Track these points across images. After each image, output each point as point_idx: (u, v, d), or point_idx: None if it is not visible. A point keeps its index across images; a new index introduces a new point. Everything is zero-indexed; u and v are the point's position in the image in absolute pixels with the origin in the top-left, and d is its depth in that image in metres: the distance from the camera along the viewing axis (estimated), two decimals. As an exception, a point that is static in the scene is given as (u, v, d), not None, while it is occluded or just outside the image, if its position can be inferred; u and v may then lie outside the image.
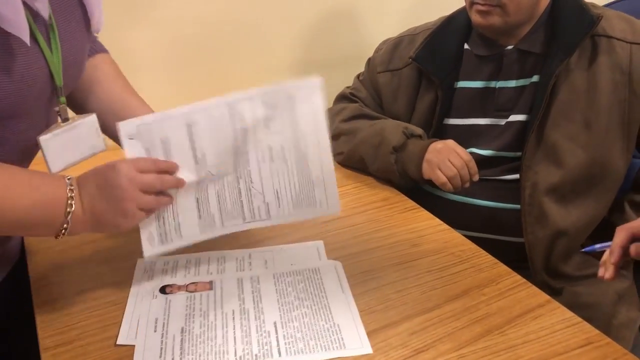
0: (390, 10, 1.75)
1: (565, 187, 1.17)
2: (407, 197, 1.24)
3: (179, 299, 0.92)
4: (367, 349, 0.83)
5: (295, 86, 0.92)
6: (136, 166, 0.87)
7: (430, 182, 1.23)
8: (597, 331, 0.86)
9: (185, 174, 0.91)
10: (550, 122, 1.17)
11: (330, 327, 0.86)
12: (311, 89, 0.92)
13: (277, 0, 1.62)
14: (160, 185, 0.88)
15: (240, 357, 0.81)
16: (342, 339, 0.84)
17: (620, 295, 1.18)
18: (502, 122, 1.24)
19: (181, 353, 0.82)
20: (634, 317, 1.17)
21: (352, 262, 1.03)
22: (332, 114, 1.41)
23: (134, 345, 0.84)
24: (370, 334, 0.85)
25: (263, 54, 1.65)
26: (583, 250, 0.90)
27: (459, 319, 0.89)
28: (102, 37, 1.09)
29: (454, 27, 1.28)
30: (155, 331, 0.86)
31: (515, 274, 0.99)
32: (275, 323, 0.87)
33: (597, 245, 0.87)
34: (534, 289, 0.96)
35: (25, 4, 0.79)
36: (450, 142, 1.21)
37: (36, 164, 0.95)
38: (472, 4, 1.20)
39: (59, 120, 0.93)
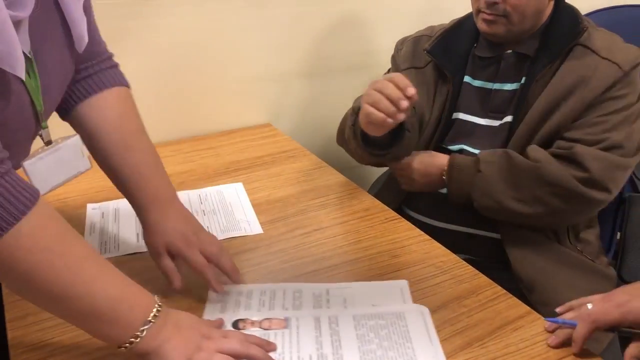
0: (392, 18, 1.75)
1: None
2: (387, 207, 1.24)
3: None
4: None
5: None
6: (225, 333, 0.84)
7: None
8: (576, 342, 0.86)
9: None
10: (529, 125, 1.20)
11: None
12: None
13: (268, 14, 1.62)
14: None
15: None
16: None
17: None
18: (496, 123, 1.26)
19: None
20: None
21: (333, 274, 1.02)
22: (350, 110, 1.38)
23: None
24: (349, 347, 0.84)
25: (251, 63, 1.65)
26: (546, 319, 0.88)
27: (439, 331, 0.88)
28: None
29: (465, 28, 1.33)
30: None
31: (495, 285, 0.99)
32: None
33: (560, 320, 0.86)
34: (515, 300, 0.95)
35: None
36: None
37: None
38: (478, 12, 1.23)
39: (42, 143, 0.92)
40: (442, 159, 1.25)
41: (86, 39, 0.91)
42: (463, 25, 1.34)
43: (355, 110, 1.22)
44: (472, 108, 1.30)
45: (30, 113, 0.85)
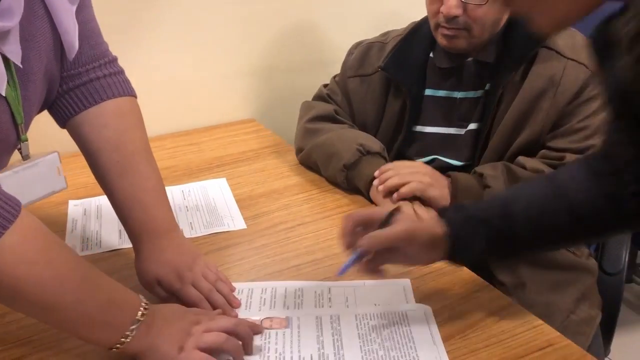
0: (353, 16, 1.75)
1: None
2: (370, 202, 1.24)
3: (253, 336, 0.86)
4: None
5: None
6: (212, 317, 0.85)
7: None
8: (557, 333, 0.87)
9: None
10: (503, 133, 1.19)
11: None
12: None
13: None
14: (223, 341, 0.80)
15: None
16: None
17: (583, 294, 1.20)
18: (462, 131, 1.25)
19: None
20: (594, 314, 1.18)
21: (316, 268, 1.02)
22: (301, 111, 1.41)
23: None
24: (332, 341, 0.84)
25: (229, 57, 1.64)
26: (338, 274, 0.86)
27: (421, 323, 0.88)
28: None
29: (420, 36, 1.29)
30: None
31: (478, 277, 0.99)
32: None
33: (348, 263, 0.85)
34: (496, 292, 0.96)
35: None
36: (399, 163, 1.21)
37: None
38: (437, 26, 1.20)
39: (20, 157, 0.90)
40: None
41: (77, 47, 0.88)
42: (418, 33, 1.29)
43: (347, 167, 1.23)
44: (437, 119, 1.27)
45: (10, 125, 0.83)
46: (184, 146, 1.53)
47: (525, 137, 1.19)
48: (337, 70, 1.42)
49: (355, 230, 0.87)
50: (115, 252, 1.06)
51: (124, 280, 0.97)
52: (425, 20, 1.29)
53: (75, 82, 0.93)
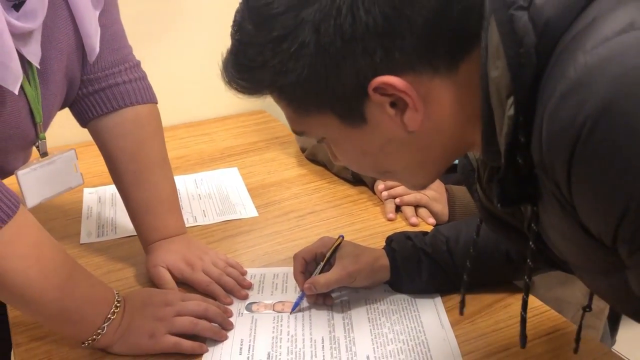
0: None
1: None
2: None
3: (265, 319, 0.88)
4: None
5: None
6: (184, 296, 0.87)
7: None
8: (564, 319, 0.88)
9: None
10: None
11: None
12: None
13: None
14: (194, 326, 0.83)
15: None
16: None
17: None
18: None
19: None
20: (602, 307, 1.19)
21: (326, 255, 1.04)
22: None
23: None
24: (343, 324, 0.86)
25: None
26: (290, 312, 0.90)
27: (430, 309, 0.90)
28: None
29: None
30: (240, 354, 0.82)
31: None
32: (368, 357, 0.81)
33: (296, 301, 0.90)
34: (504, 278, 0.97)
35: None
36: None
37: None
38: None
39: (38, 154, 0.93)
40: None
41: (97, 50, 0.90)
42: None
43: None
44: None
45: (28, 122, 0.85)
46: (196, 136, 1.55)
47: None
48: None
49: (307, 268, 0.92)
50: (131, 238, 1.08)
51: (139, 265, 1.00)
52: None
53: (95, 87, 0.95)
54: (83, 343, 0.80)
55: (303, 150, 1.39)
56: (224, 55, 0.61)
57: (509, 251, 0.88)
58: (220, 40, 1.66)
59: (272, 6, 0.54)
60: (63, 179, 0.97)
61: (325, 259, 0.90)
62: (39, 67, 0.81)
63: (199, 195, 1.25)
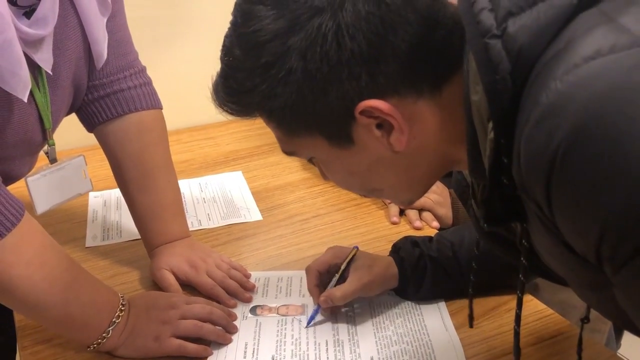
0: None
1: None
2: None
3: (269, 322, 0.88)
4: None
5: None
6: (188, 299, 0.88)
7: None
8: (567, 322, 0.88)
9: None
10: None
11: None
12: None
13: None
14: (198, 329, 0.84)
15: (334, 393, 0.77)
16: None
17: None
18: None
19: None
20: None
21: (330, 259, 1.04)
22: None
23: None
24: (347, 328, 0.86)
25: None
26: (306, 326, 0.89)
27: (434, 312, 0.90)
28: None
29: None
30: (244, 357, 0.82)
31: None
32: (372, 359, 0.82)
33: (312, 314, 0.89)
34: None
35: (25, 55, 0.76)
36: None
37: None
38: None
39: (47, 160, 0.94)
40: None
41: (105, 57, 0.91)
42: None
43: None
44: None
45: (37, 128, 0.86)
46: (200, 140, 1.55)
47: None
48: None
49: (321, 280, 0.91)
50: (136, 241, 1.08)
51: (144, 269, 1.01)
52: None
53: (101, 93, 0.96)
54: (88, 347, 0.81)
55: None
56: (214, 78, 0.63)
57: None
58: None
59: (259, 33, 0.56)
60: (72, 185, 0.98)
61: (340, 271, 0.89)
62: (51, 73, 0.82)
63: (204, 199, 1.25)
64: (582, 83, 0.45)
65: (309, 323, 0.88)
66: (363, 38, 0.54)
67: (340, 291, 0.87)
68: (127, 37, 0.99)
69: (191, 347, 0.82)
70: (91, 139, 1.02)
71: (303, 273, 0.98)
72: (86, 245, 1.09)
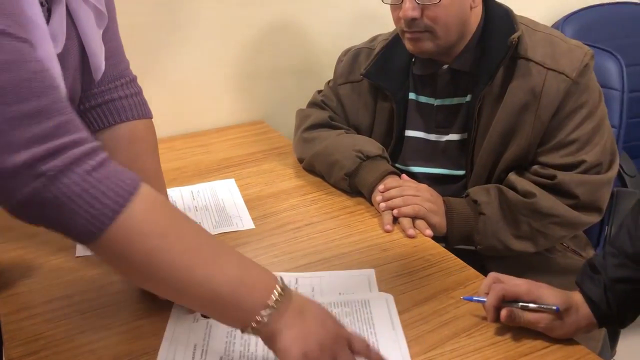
0: (364, 18, 1.77)
1: None
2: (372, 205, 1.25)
3: (220, 325, 0.86)
4: None
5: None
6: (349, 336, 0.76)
7: None
8: (562, 332, 0.87)
9: None
10: (492, 146, 1.19)
11: None
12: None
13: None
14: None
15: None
16: None
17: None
18: (443, 138, 1.26)
19: None
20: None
21: (324, 267, 1.03)
22: (297, 120, 1.43)
23: None
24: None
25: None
26: (463, 298, 0.92)
27: (427, 322, 0.90)
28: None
29: (402, 44, 1.25)
30: (193, 358, 0.83)
31: (483, 276, 1.00)
32: None
33: (475, 298, 0.90)
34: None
35: None
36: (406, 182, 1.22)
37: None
38: (402, 32, 1.20)
39: None
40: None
41: (103, 69, 0.91)
42: (400, 40, 1.25)
43: (349, 175, 1.25)
44: (420, 124, 1.29)
45: None
46: (193, 147, 1.55)
47: (513, 152, 1.18)
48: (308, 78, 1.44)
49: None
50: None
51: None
52: None
53: (92, 103, 0.96)
54: (243, 331, 0.73)
55: (301, 160, 1.39)
56: None
57: None
58: (219, 52, 1.68)
59: None
60: None
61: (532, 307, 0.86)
62: (65, 90, 0.81)
63: (196, 207, 1.24)
64: None
65: (469, 298, 0.91)
66: None
67: (537, 316, 0.85)
68: (119, 46, 0.99)
69: None
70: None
71: (296, 279, 0.98)
72: (76, 255, 1.08)
